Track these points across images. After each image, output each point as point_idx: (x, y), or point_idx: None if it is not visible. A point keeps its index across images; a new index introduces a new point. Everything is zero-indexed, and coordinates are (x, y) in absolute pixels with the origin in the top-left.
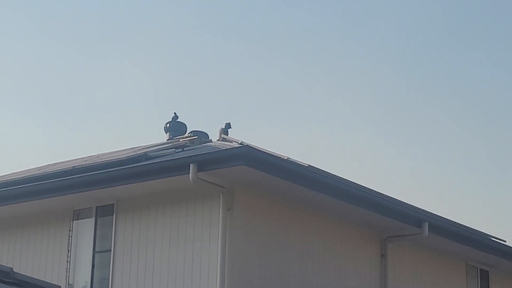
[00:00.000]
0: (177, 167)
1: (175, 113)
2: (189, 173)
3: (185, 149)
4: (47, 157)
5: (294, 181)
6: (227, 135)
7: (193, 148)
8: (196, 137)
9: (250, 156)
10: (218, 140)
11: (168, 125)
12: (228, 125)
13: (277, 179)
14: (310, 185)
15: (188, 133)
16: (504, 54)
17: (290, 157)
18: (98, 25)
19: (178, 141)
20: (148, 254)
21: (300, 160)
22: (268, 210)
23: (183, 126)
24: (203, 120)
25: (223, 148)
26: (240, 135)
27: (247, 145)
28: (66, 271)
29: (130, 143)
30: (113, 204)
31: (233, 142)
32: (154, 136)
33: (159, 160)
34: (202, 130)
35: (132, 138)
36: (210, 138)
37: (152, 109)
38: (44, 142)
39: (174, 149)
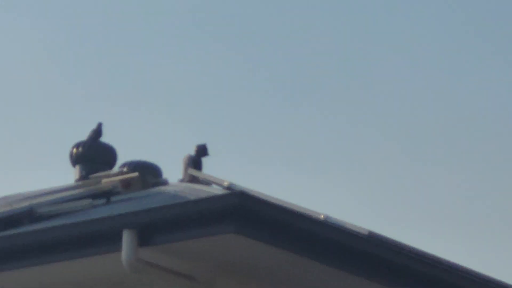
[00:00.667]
0: (97, 238)
1: (99, 123)
2: (121, 250)
3: (113, 199)
4: None
5: (346, 267)
6: (201, 169)
7: (130, 198)
8: (137, 174)
9: (250, 214)
10: (183, 180)
11: (79, 149)
12: (202, 150)
13: (308, 262)
14: (377, 272)
15: (121, 166)
16: None
17: (328, 215)
18: None
19: (99, 182)
20: None
21: (350, 223)
22: None
23: (109, 153)
24: (153, 140)
25: (193, 198)
26: (223, 170)
27: (242, 191)
28: None
29: (4, 188)
30: None
31: (213, 184)
32: (51, 171)
33: (59, 223)
34: (149, 161)
35: (8, 176)
36: (165, 178)
37: (48, 117)
38: None
39: (91, 200)
